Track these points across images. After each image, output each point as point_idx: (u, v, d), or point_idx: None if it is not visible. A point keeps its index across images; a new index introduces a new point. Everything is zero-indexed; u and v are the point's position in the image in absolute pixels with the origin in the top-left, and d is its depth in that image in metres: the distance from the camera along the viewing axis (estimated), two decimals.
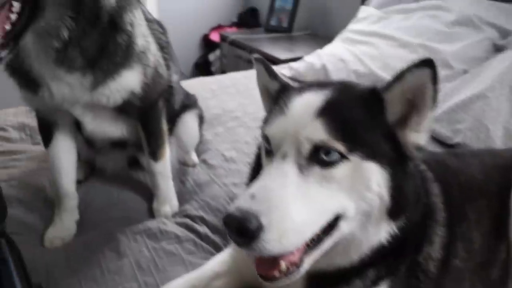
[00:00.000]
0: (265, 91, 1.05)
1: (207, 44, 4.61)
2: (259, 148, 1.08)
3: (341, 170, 0.79)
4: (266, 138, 0.87)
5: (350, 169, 0.80)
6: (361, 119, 0.82)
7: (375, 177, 0.81)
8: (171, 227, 1.45)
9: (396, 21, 2.61)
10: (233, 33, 4.13)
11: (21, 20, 1.09)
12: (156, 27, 1.50)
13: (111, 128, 1.48)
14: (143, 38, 1.35)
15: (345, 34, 2.82)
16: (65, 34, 1.17)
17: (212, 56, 4.50)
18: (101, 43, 1.24)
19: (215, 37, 4.48)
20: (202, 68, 4.60)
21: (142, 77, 1.35)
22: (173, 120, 1.68)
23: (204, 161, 1.82)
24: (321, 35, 3.86)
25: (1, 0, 1.03)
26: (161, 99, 1.49)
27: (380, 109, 0.84)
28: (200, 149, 1.90)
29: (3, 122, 2.14)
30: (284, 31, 3.97)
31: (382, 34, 2.53)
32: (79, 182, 1.61)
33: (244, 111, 2.23)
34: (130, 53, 1.30)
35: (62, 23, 1.16)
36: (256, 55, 1.02)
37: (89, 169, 1.75)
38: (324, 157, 0.79)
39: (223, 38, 4.05)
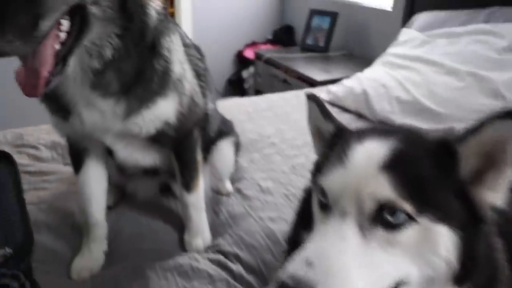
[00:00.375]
0: (317, 132, 0.95)
1: (241, 61, 4.56)
2: (306, 193, 0.99)
3: (408, 233, 0.69)
4: (321, 189, 0.78)
5: (417, 233, 0.70)
6: (431, 174, 0.72)
7: (444, 242, 0.71)
8: (204, 264, 1.36)
9: (441, 45, 2.49)
10: (268, 51, 4.07)
11: (70, 38, 1.03)
12: (194, 53, 1.43)
13: (143, 157, 1.41)
14: (179, 64, 1.28)
15: (386, 57, 2.71)
16: (108, 53, 1.10)
17: (245, 73, 4.45)
18: (139, 67, 1.18)
19: (249, 54, 4.43)
20: (235, 85, 4.55)
21: (177, 106, 1.28)
22: (208, 148, 1.61)
23: (238, 191, 1.73)
24: (358, 56, 3.76)
25: (53, 18, 0.96)
26: (196, 128, 1.42)
27: (452, 163, 0.74)
28: (234, 177, 1.82)
29: (36, 140, 2.11)
30: (320, 51, 3.88)
31: (426, 59, 2.41)
32: (108, 208, 1.55)
33: (281, 137, 2.14)
34: (166, 80, 1.23)
35: (107, 41, 1.09)
36: (309, 92, 0.93)
37: (119, 194, 1.69)
38: (389, 218, 0.69)
39: (258, 57, 3.99)
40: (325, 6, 4.01)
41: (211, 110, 1.52)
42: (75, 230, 1.53)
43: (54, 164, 1.93)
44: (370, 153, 0.74)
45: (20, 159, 1.89)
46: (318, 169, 0.86)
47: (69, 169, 1.86)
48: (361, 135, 0.79)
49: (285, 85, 3.54)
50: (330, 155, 0.81)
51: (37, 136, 2.15)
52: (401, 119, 2.21)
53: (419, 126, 2.11)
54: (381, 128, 0.87)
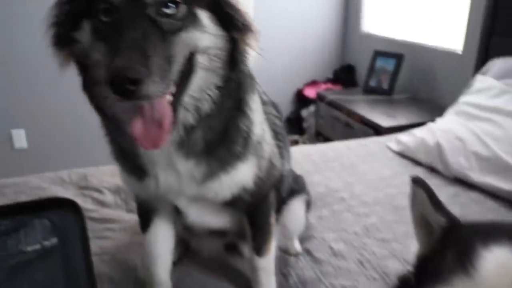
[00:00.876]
0: (421, 219, 0.84)
1: (300, 100, 4.50)
2: (402, 283, 0.88)
3: None
4: None
5: None
6: None
7: None
8: None
9: None
10: (330, 92, 3.99)
11: (178, 89, 0.95)
12: (272, 111, 1.36)
13: (214, 220, 1.33)
14: (259, 125, 1.20)
15: (459, 106, 2.56)
16: (206, 107, 1.02)
17: (305, 112, 4.38)
18: (225, 126, 1.09)
19: (309, 92, 4.37)
20: (294, 124, 4.48)
21: (256, 170, 1.19)
22: (279, 208, 1.51)
23: (308, 252, 1.62)
24: (424, 100, 3.62)
25: (180, 63, 0.92)
26: (272, 191, 1.33)
27: None
28: (303, 235, 1.71)
29: (99, 183, 2.09)
30: (384, 93, 3.76)
31: (507, 111, 2.25)
32: (173, 264, 1.48)
33: (351, 192, 2.03)
34: (247, 142, 1.15)
35: (207, 93, 1.01)
36: (414, 175, 0.83)
37: (183, 248, 1.62)
38: None
39: (320, 98, 3.92)
40: (389, 47, 3.91)
41: (286, 171, 1.44)
42: (137, 284, 1.47)
43: (118, 211, 1.90)
44: (502, 266, 0.63)
45: (85, 203, 1.88)
46: (424, 267, 0.76)
47: (132, 217, 1.83)
48: (485, 237, 0.68)
49: (348, 129, 3.43)
50: (444, 255, 0.71)
51: (101, 178, 2.13)
52: (480, 177, 2.06)
53: (501, 187, 1.96)
54: (507, 227, 0.75)
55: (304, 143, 4.28)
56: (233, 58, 1.02)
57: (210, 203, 1.22)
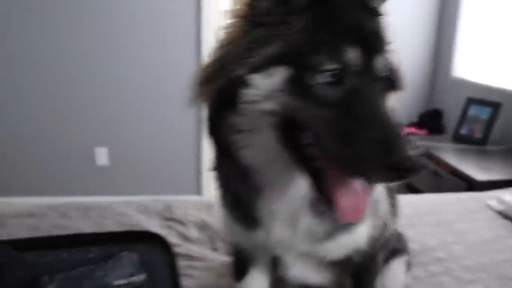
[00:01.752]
0: None
1: None
2: None
3: None
4: None
5: None
6: None
7: None
8: None
9: None
10: (416, 138, 3.80)
11: None
12: None
13: (315, 277, 1.23)
14: None
15: None
16: None
17: None
18: None
19: None
20: None
21: (370, 230, 1.09)
22: None
23: None
24: None
25: None
26: (382, 252, 1.22)
27: None
28: None
29: (184, 216, 2.04)
30: (476, 143, 3.54)
31: None
32: None
33: (449, 252, 1.85)
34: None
35: None
36: None
37: None
38: None
39: None
40: (484, 95, 3.69)
41: (394, 230, 1.32)
42: None
43: (202, 248, 1.83)
44: None
45: (170, 237, 1.83)
46: None
47: (217, 256, 1.76)
48: None
49: (436, 179, 3.23)
50: None
51: (185, 212, 2.08)
52: None
53: None
54: None
55: None
56: None
57: (318, 260, 1.13)
